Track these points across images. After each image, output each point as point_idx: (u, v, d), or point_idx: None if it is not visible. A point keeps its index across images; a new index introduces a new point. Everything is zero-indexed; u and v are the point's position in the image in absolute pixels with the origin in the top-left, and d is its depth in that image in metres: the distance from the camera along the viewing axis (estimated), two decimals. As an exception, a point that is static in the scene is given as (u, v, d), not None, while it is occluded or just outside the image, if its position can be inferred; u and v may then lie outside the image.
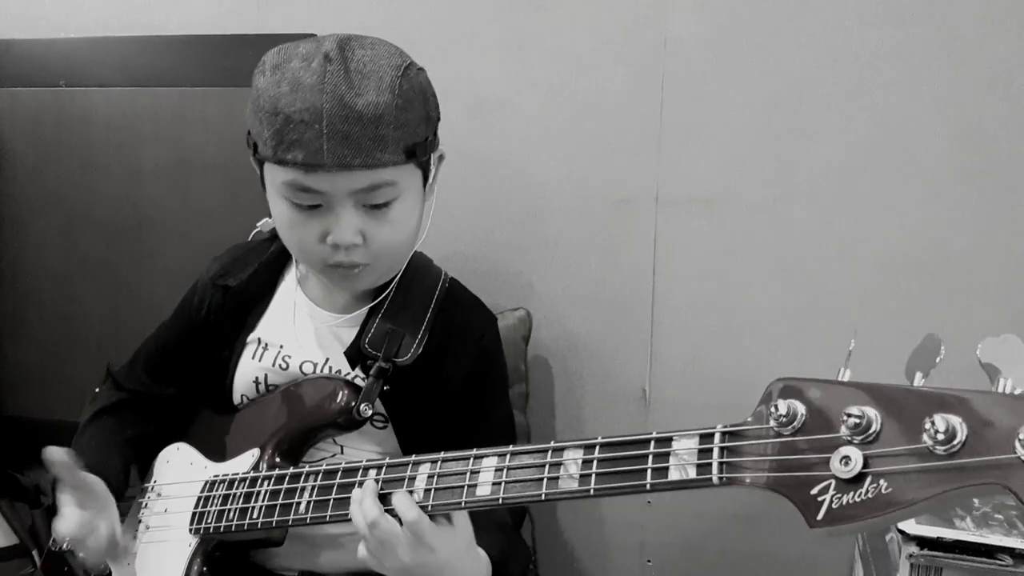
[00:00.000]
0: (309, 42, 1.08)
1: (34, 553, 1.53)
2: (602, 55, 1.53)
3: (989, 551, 1.11)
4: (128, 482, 1.21)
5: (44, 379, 1.71)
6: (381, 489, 0.98)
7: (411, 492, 0.95)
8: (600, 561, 1.59)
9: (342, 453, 1.19)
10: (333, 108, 1.01)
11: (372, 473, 1.01)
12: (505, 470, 0.91)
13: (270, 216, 1.23)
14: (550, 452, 0.88)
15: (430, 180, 1.15)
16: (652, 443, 0.81)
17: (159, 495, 1.20)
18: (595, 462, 0.84)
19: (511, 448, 0.92)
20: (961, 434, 0.62)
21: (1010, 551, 1.10)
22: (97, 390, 1.34)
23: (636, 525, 1.57)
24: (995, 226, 1.38)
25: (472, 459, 0.94)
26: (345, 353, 1.17)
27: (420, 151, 1.09)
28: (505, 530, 1.14)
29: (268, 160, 1.06)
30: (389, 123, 1.03)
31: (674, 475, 0.78)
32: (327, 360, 1.19)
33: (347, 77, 1.02)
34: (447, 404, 1.17)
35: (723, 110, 1.48)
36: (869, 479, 0.66)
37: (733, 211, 1.49)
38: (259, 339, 1.23)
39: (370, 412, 1.13)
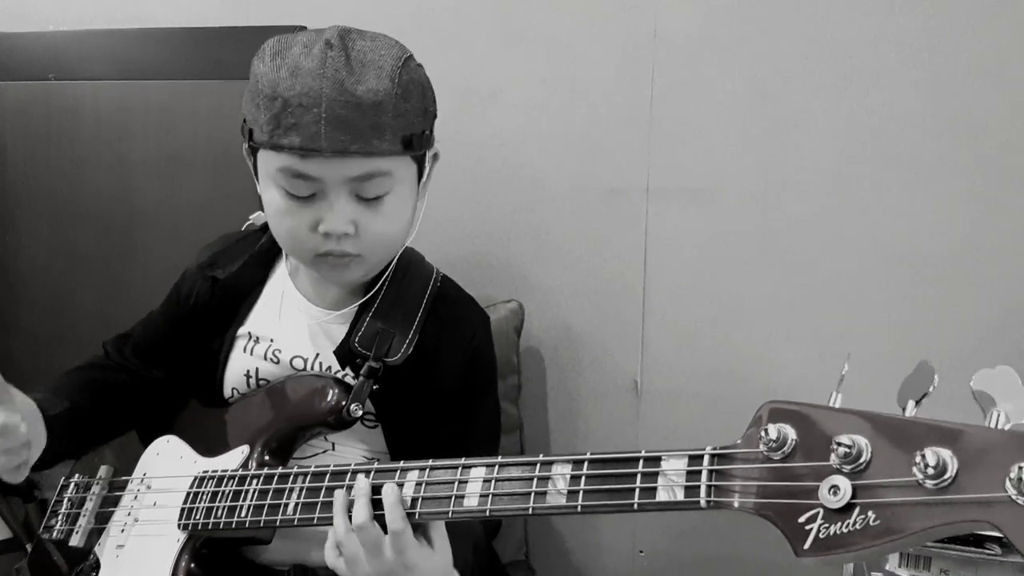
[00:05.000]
0: (310, 32, 1.08)
1: (28, 547, 1.53)
2: (592, 46, 1.52)
3: (978, 540, 1.10)
4: (67, 422, 1.18)
5: (35, 372, 1.70)
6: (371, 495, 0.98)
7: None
8: (592, 551, 1.60)
9: (333, 450, 1.19)
10: (333, 93, 1.01)
11: (361, 477, 1.01)
12: (493, 482, 0.91)
13: (262, 209, 1.22)
14: (539, 465, 0.88)
15: (424, 178, 1.14)
16: (641, 462, 0.80)
17: (149, 488, 1.20)
18: (583, 478, 0.84)
19: (499, 460, 0.92)
20: (951, 469, 0.62)
21: (998, 540, 1.10)
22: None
23: (628, 515, 1.57)
24: (986, 216, 1.37)
25: (461, 468, 0.93)
26: (335, 352, 1.16)
27: (417, 143, 1.08)
28: (479, 550, 1.15)
29: (264, 146, 1.06)
30: (388, 111, 1.03)
31: (662, 496, 0.78)
32: (317, 355, 1.19)
33: (348, 64, 1.02)
34: (436, 404, 1.17)
35: (713, 101, 1.47)
36: (857, 510, 0.65)
37: (723, 201, 1.49)
38: (249, 333, 1.22)
39: (360, 412, 1.12)
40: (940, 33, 1.36)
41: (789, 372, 1.47)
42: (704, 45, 1.47)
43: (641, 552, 1.58)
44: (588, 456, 0.85)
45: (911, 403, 0.67)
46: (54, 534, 1.29)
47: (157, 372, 1.29)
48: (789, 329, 1.47)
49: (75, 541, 1.24)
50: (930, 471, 0.62)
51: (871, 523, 0.64)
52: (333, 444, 1.19)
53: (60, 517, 1.30)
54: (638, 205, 1.52)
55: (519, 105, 1.56)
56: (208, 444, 1.19)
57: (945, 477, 0.62)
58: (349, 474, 1.01)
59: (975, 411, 0.71)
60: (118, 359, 1.32)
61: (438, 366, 1.17)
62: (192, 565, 1.11)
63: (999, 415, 0.62)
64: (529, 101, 1.55)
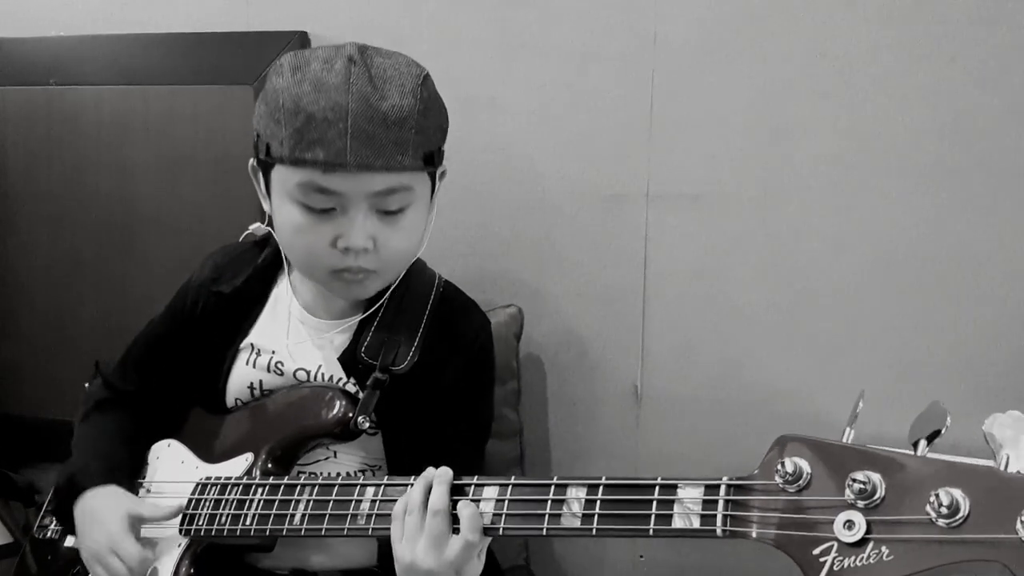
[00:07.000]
0: (326, 47, 1.08)
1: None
2: (592, 51, 1.51)
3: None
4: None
5: (36, 377, 1.70)
6: (378, 509, 0.99)
7: None
8: (592, 556, 1.61)
9: (335, 457, 1.19)
10: (359, 108, 1.02)
11: (370, 492, 1.02)
12: (507, 501, 0.92)
13: (261, 220, 1.22)
14: (553, 488, 0.90)
15: (434, 193, 1.15)
16: (656, 489, 0.82)
17: (148, 491, 1.21)
18: (598, 502, 0.85)
19: (512, 480, 0.94)
20: (964, 509, 0.64)
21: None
22: (87, 385, 1.33)
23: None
24: (986, 222, 1.38)
25: (473, 487, 0.95)
26: (340, 360, 1.17)
27: (437, 159, 1.10)
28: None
29: (285, 160, 1.05)
30: (411, 127, 1.04)
31: (678, 523, 0.80)
32: (320, 367, 1.19)
33: (371, 80, 1.03)
34: (436, 408, 1.17)
35: (713, 105, 1.47)
36: (871, 545, 0.68)
37: (723, 206, 1.49)
38: (252, 345, 1.22)
39: (367, 424, 1.13)
40: (939, 38, 1.37)
41: (789, 378, 1.48)
42: (704, 51, 1.47)
43: (641, 557, 1.59)
44: (603, 481, 0.86)
45: (923, 442, 0.69)
46: (48, 533, 1.30)
47: (161, 387, 1.28)
48: (789, 335, 1.48)
49: (71, 542, 1.24)
50: (943, 510, 0.65)
51: (884, 558, 0.66)
52: (335, 452, 1.19)
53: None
54: (638, 211, 1.53)
55: (519, 111, 1.55)
56: (210, 450, 1.19)
57: (958, 516, 0.64)
58: (358, 487, 1.02)
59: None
60: (126, 385, 1.30)
61: (441, 371, 1.18)
62: (192, 571, 1.11)
63: (1009, 458, 0.64)
64: (529, 107, 1.55)
